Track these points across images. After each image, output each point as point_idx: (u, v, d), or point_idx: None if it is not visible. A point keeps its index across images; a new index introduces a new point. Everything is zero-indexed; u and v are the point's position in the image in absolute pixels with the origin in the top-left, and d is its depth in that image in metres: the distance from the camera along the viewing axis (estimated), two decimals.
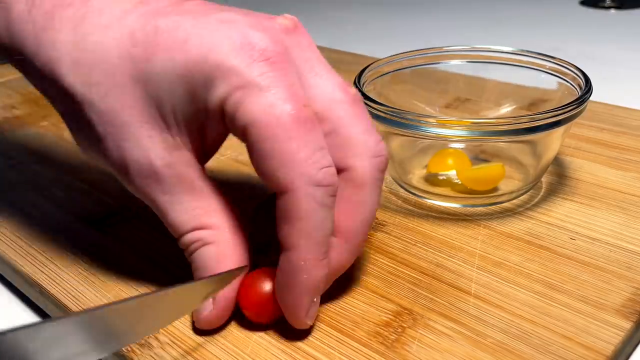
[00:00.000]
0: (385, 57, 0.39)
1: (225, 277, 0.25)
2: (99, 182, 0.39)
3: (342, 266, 0.25)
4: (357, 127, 0.25)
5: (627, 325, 0.25)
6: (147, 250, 0.31)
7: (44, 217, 0.35)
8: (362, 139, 0.25)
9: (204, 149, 0.26)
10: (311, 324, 0.25)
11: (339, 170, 0.25)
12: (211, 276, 0.25)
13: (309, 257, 0.23)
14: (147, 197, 0.26)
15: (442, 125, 0.30)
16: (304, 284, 0.23)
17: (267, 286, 0.25)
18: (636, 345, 0.26)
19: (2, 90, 0.57)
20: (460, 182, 0.35)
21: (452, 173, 0.35)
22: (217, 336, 0.25)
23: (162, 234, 0.33)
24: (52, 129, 0.48)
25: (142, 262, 0.31)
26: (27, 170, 0.41)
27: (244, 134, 0.23)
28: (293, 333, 0.25)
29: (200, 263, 0.26)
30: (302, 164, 0.22)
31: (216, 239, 0.25)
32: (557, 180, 0.36)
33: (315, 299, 0.24)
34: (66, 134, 0.46)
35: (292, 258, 0.23)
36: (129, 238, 0.33)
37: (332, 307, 0.27)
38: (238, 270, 0.25)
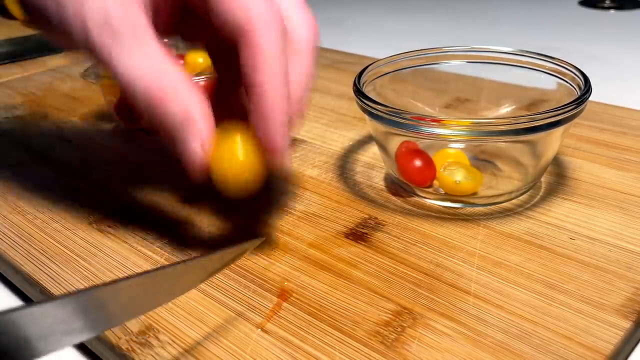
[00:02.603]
0: (385, 57, 0.39)
1: (245, 247, 0.26)
2: (99, 182, 0.39)
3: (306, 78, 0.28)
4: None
5: (627, 325, 0.25)
6: (147, 250, 0.31)
7: (44, 217, 0.35)
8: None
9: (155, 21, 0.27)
10: (288, 155, 0.27)
11: None
12: (233, 246, 0.25)
13: (275, 91, 0.25)
14: (103, 50, 0.26)
15: (442, 125, 0.31)
16: (280, 116, 0.25)
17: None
18: (635, 345, 0.26)
19: (3, 90, 0.57)
20: (458, 182, 0.35)
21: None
22: (217, 335, 0.25)
23: (161, 234, 0.33)
24: (52, 129, 0.48)
25: (142, 262, 0.31)
26: (27, 170, 0.41)
27: None
28: (294, 332, 0.25)
29: (162, 120, 0.26)
30: (256, 2, 0.25)
31: (170, 91, 0.26)
32: (556, 180, 0.36)
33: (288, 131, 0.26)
34: (66, 133, 0.47)
35: (262, 95, 0.25)
36: (129, 238, 0.33)
37: (332, 307, 0.27)
38: (256, 241, 0.26)
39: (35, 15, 0.28)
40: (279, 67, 0.25)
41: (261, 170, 0.26)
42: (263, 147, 0.26)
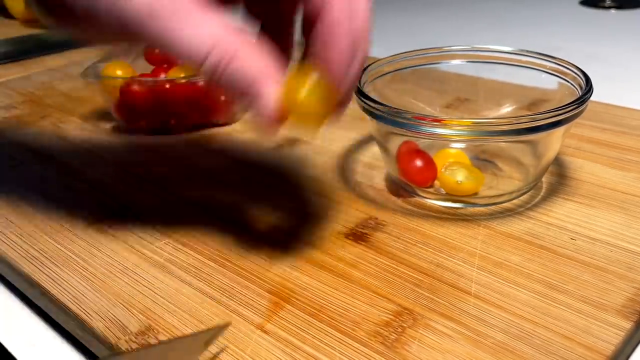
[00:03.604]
0: (385, 57, 0.39)
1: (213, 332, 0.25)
2: (99, 182, 0.39)
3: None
4: None
5: (628, 325, 0.25)
6: (147, 251, 0.31)
7: (44, 217, 0.35)
8: None
9: None
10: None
11: None
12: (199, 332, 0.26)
13: (342, 70, 0.25)
14: (152, 34, 0.25)
15: (442, 125, 0.30)
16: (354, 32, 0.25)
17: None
18: (636, 346, 0.26)
19: (2, 90, 0.57)
20: (460, 182, 0.35)
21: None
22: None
23: (161, 234, 0.33)
24: (52, 129, 0.48)
25: (142, 262, 0.30)
26: (27, 170, 0.41)
27: None
28: (294, 332, 0.25)
29: (241, 78, 0.25)
30: None
31: (240, 47, 0.25)
32: (557, 180, 0.36)
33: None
34: (66, 133, 0.47)
35: (330, 69, 0.25)
36: (129, 238, 0.33)
37: (333, 307, 0.27)
38: (223, 326, 0.26)
39: (65, 9, 0.26)
40: (349, 40, 0.25)
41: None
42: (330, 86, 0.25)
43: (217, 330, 0.25)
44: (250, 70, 0.25)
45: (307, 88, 0.25)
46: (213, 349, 0.25)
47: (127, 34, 0.26)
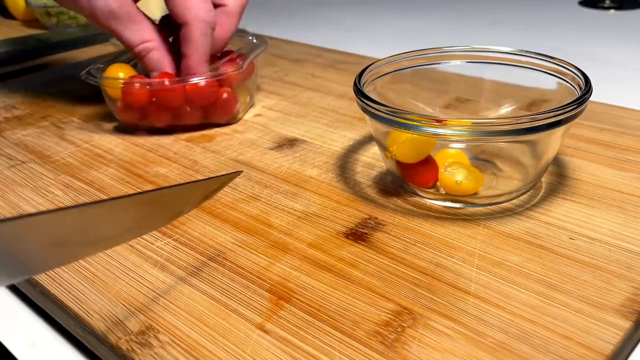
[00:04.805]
0: (385, 57, 0.39)
1: (223, 179, 0.30)
2: (98, 182, 0.39)
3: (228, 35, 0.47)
4: None
5: (627, 325, 0.25)
6: (147, 249, 0.31)
7: None
8: None
9: None
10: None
11: (217, 5, 0.46)
12: (210, 178, 0.29)
13: (197, 62, 0.43)
14: (109, 29, 0.43)
15: (443, 125, 0.31)
16: (199, 66, 0.44)
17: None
18: (635, 345, 0.26)
19: (2, 90, 0.57)
20: (459, 182, 0.35)
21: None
22: (217, 335, 0.25)
23: (161, 234, 0.33)
24: (52, 129, 0.48)
25: (142, 262, 0.31)
26: (27, 170, 0.41)
27: None
28: (293, 332, 0.25)
29: (151, 63, 0.44)
30: (196, 7, 0.42)
31: (156, 47, 0.44)
32: (556, 180, 0.36)
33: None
34: (66, 133, 0.47)
35: (188, 62, 0.43)
36: None
37: (332, 307, 0.27)
38: (234, 174, 0.30)
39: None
40: (201, 45, 0.43)
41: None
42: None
43: (227, 178, 0.29)
44: (157, 61, 0.44)
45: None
46: (213, 348, 0.25)
47: (98, 24, 0.43)
